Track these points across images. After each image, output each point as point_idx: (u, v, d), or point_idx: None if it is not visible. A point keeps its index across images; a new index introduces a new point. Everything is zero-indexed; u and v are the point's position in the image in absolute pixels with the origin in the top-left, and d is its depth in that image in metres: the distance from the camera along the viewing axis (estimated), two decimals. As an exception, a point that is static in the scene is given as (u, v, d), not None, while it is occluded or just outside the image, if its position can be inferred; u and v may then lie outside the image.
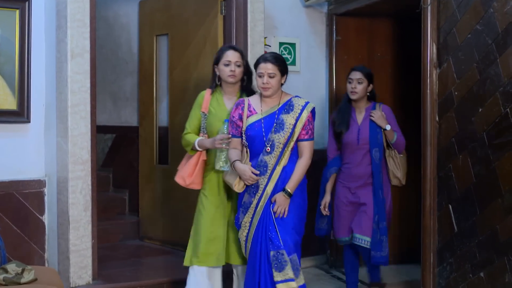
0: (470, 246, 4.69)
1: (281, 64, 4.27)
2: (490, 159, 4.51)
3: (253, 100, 4.38)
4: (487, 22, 4.53)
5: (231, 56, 4.47)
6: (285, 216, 4.22)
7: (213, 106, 4.54)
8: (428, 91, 4.96)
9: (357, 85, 5.05)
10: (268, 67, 4.23)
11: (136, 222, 6.80)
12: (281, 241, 4.17)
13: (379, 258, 4.98)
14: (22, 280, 3.75)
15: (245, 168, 4.20)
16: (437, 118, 4.95)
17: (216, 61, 4.53)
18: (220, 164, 4.35)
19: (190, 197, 5.22)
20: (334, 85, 6.39)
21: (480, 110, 4.59)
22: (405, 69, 6.45)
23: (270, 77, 4.22)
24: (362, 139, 5.04)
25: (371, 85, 5.12)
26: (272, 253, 4.16)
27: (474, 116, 4.64)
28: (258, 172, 4.21)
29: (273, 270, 4.15)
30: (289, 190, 4.19)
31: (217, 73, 4.54)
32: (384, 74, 6.33)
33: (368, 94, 5.13)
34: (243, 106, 4.34)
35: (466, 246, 4.72)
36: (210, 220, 4.50)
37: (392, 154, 5.09)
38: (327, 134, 6.45)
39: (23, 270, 3.80)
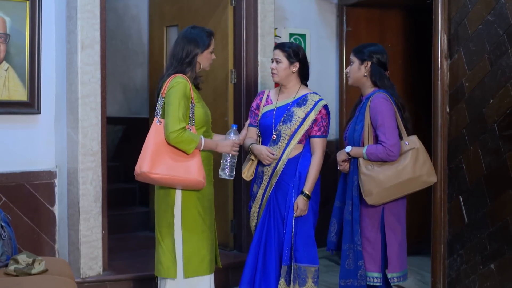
0: (480, 237, 4.67)
1: (289, 52, 4.24)
2: (501, 150, 4.50)
3: (273, 91, 4.42)
4: (498, 13, 4.51)
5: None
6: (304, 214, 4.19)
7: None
8: (439, 82, 4.94)
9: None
10: (275, 53, 4.28)
11: (146, 213, 6.82)
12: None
13: None
14: (33, 271, 3.77)
15: (261, 148, 4.22)
16: (448, 110, 4.93)
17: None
18: (228, 173, 3.98)
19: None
20: (345, 76, 6.37)
21: (491, 101, 4.57)
22: (416, 60, 6.42)
23: (277, 63, 4.25)
24: (346, 137, 4.25)
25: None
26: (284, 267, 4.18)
27: (485, 107, 4.62)
28: (274, 153, 4.19)
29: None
30: (307, 193, 4.16)
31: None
32: (394, 65, 6.29)
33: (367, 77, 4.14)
34: (262, 97, 4.40)
35: (476, 237, 4.71)
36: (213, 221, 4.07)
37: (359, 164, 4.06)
38: (336, 125, 6.46)
39: (33, 261, 3.82)
